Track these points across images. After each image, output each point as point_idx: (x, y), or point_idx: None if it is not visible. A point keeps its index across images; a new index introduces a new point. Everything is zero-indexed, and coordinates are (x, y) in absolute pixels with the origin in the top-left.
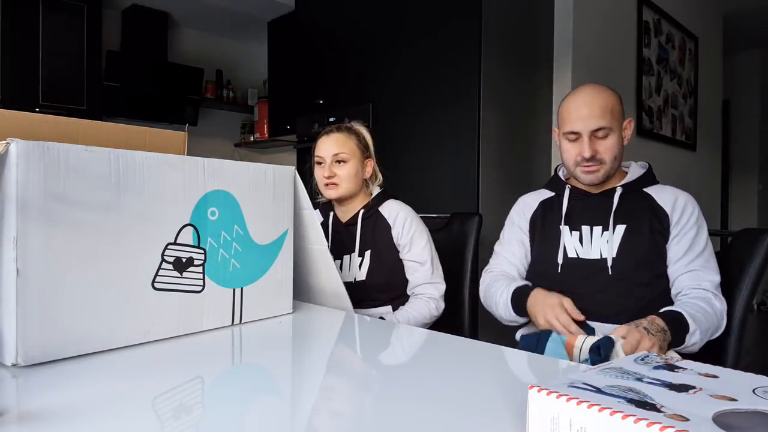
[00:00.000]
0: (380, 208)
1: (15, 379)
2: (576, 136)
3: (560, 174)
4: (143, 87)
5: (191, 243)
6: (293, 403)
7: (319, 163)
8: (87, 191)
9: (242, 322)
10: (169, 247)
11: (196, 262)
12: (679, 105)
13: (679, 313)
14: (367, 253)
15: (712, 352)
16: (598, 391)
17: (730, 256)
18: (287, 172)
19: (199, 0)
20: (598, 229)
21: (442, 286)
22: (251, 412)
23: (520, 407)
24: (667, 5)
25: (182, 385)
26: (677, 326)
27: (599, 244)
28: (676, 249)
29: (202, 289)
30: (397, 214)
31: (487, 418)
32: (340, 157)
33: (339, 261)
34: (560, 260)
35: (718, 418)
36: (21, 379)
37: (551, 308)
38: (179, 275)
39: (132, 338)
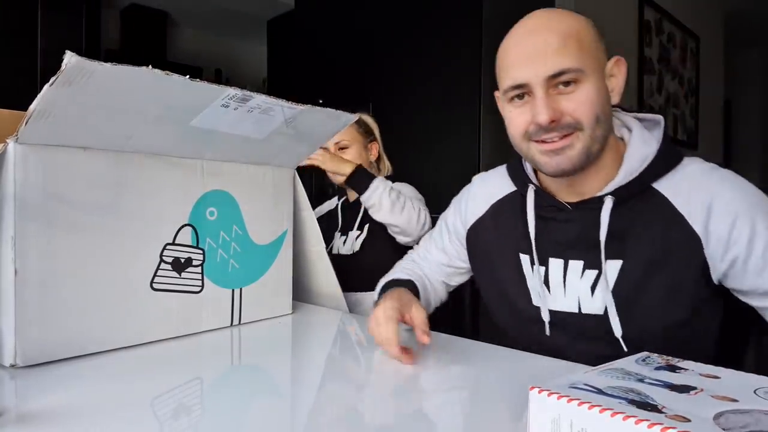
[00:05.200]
0: None
1: (13, 379)
2: (522, 90)
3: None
4: None
5: (190, 243)
6: (292, 404)
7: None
8: (85, 191)
9: (241, 322)
10: (168, 247)
11: (194, 263)
12: (680, 104)
13: None
14: (366, 227)
15: (728, 362)
16: (599, 392)
17: None
18: (286, 172)
19: None
20: (577, 266)
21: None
22: (250, 413)
23: (521, 408)
24: (668, 4)
25: (181, 386)
26: None
27: (577, 289)
28: (754, 282)
29: (201, 290)
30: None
31: (488, 418)
32: (342, 144)
33: (344, 237)
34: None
35: (719, 419)
36: (19, 379)
37: (372, 320)
38: (178, 275)
39: (130, 339)
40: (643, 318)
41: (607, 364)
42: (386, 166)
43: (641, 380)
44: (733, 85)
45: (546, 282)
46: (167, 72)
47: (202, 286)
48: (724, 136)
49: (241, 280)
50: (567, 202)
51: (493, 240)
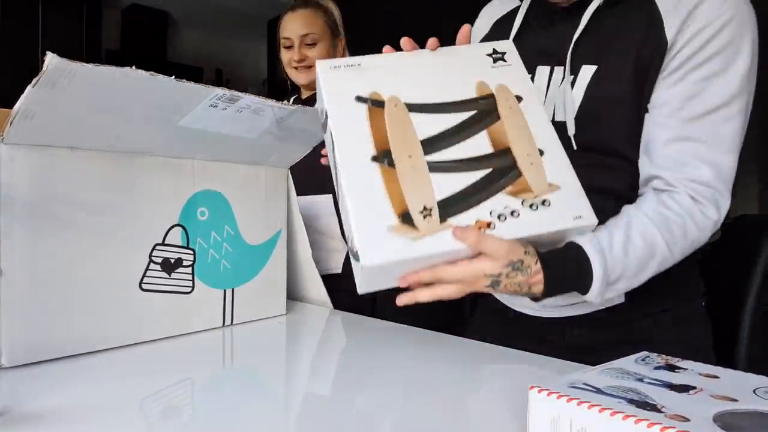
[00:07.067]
0: None
1: None
2: None
3: None
4: None
5: (180, 243)
6: (286, 406)
7: (287, 47)
8: (73, 191)
9: (233, 323)
10: (157, 247)
11: (185, 263)
12: None
13: (585, 255)
14: None
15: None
16: (599, 391)
17: (729, 248)
18: (280, 172)
19: None
20: (558, 72)
21: None
22: (242, 415)
23: (521, 408)
24: None
25: (171, 387)
26: (570, 270)
27: (555, 96)
28: (664, 95)
29: (192, 290)
30: None
31: (487, 418)
32: (310, 38)
33: None
34: None
35: (719, 419)
36: (5, 380)
37: None
38: (167, 276)
39: (119, 340)
40: (607, 121)
41: (606, 364)
42: None
43: (640, 380)
44: None
45: None
46: (152, 72)
47: (193, 286)
48: None
49: (233, 281)
50: (559, 6)
51: None
